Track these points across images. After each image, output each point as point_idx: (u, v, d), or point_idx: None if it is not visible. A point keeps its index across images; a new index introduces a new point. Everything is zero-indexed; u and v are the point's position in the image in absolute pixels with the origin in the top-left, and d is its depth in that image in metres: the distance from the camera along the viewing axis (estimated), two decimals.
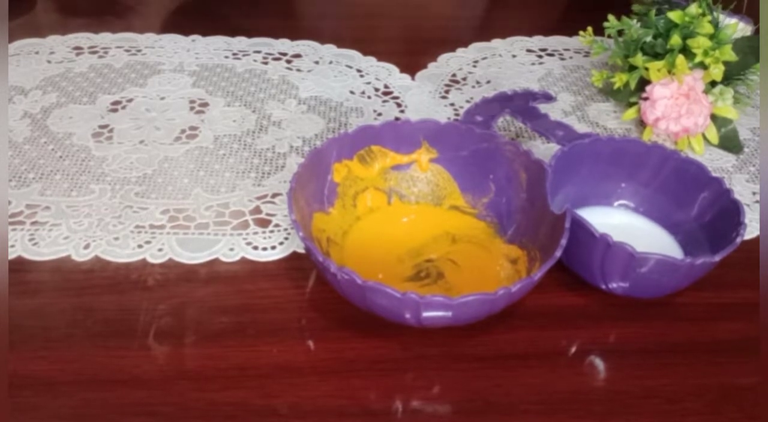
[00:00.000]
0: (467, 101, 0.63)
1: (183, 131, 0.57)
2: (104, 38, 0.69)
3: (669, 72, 0.56)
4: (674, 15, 0.56)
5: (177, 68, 0.65)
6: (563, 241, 0.40)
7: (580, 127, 0.59)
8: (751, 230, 0.50)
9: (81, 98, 0.60)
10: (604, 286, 0.44)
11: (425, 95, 0.64)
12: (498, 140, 0.47)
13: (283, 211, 0.49)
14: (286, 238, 0.47)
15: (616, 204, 0.50)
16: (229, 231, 0.48)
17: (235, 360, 0.39)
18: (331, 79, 0.65)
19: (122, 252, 0.45)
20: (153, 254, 0.45)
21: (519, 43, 0.73)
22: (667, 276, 0.41)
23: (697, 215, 0.47)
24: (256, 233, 0.48)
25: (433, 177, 0.50)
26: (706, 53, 0.55)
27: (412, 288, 0.37)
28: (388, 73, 0.66)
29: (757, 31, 0.61)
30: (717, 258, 0.41)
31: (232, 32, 0.71)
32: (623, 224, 0.48)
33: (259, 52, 0.68)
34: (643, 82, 0.58)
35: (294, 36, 0.71)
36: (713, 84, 0.58)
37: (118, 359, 0.39)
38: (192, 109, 0.60)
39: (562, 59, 0.71)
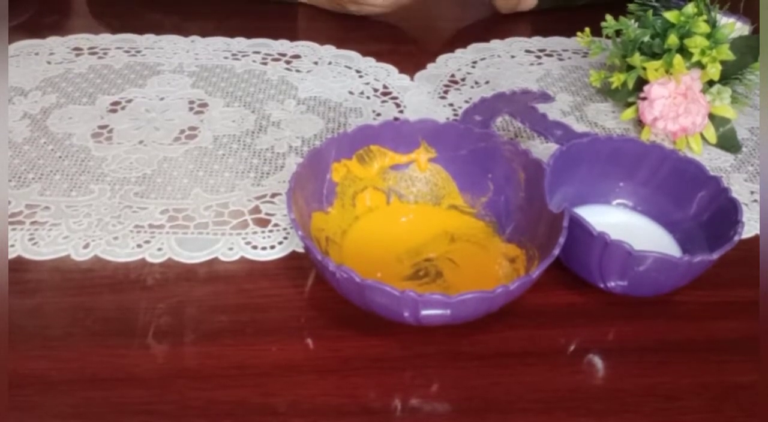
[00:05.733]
0: (466, 101, 0.63)
1: (182, 131, 0.57)
2: (104, 39, 0.69)
3: (666, 71, 0.56)
4: (670, 15, 0.56)
5: (176, 69, 0.65)
6: (561, 240, 0.40)
7: (579, 127, 0.59)
8: (749, 229, 0.51)
9: (80, 99, 0.60)
10: (602, 285, 0.44)
11: (424, 95, 0.64)
12: (496, 140, 0.47)
13: (282, 211, 0.49)
14: (286, 238, 0.47)
15: (614, 203, 0.50)
16: (228, 230, 0.48)
17: (235, 359, 0.39)
18: (330, 80, 0.65)
19: (121, 252, 0.45)
20: (152, 254, 0.46)
21: (517, 43, 0.73)
22: (665, 274, 0.41)
23: (695, 214, 0.47)
24: (255, 233, 0.48)
25: (431, 176, 0.50)
26: (703, 53, 0.55)
27: (410, 287, 0.37)
28: (387, 74, 0.66)
29: (754, 31, 0.61)
30: (715, 256, 0.41)
31: (232, 33, 0.71)
32: (621, 223, 0.49)
33: (258, 52, 0.68)
34: (641, 82, 0.58)
35: (293, 36, 0.71)
36: (711, 83, 0.58)
37: (117, 358, 0.39)
38: (191, 109, 0.60)
39: (561, 60, 0.71)
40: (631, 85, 0.59)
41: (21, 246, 0.45)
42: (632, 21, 0.60)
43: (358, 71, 0.67)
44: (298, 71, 0.66)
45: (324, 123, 0.59)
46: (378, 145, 0.48)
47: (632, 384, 0.40)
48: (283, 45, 0.70)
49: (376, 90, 0.64)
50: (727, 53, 0.55)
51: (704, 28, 0.55)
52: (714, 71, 0.55)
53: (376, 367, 0.40)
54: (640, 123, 0.59)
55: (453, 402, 0.38)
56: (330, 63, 0.68)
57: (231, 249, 0.46)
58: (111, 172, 0.52)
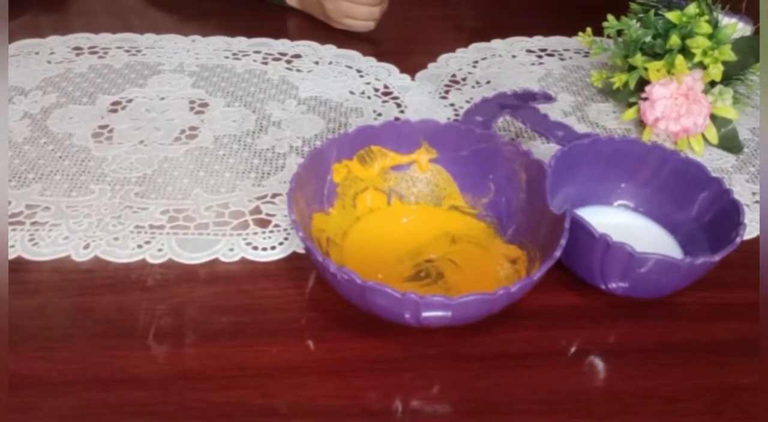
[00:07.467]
0: (467, 101, 0.63)
1: (183, 131, 0.57)
2: (104, 38, 0.69)
3: (668, 72, 0.56)
4: (672, 15, 0.56)
5: (177, 68, 0.65)
6: (563, 241, 0.40)
7: (580, 128, 0.59)
8: (751, 230, 0.50)
9: (81, 98, 0.60)
10: (603, 286, 0.44)
11: (425, 95, 0.64)
12: (497, 140, 0.47)
13: (283, 211, 0.49)
14: (286, 239, 0.47)
15: (615, 204, 0.50)
16: (228, 231, 0.48)
17: (235, 360, 0.39)
18: (331, 80, 0.65)
19: (122, 253, 0.45)
20: (153, 254, 0.45)
21: (519, 43, 0.73)
22: (667, 276, 0.41)
23: (696, 215, 0.47)
24: (255, 233, 0.48)
25: (432, 177, 0.50)
26: (705, 53, 0.55)
27: (411, 289, 0.37)
28: (388, 74, 0.66)
29: (756, 31, 0.61)
30: (716, 258, 0.41)
31: (232, 32, 0.71)
32: (623, 224, 0.48)
33: (259, 52, 0.68)
34: (643, 82, 0.58)
35: (294, 36, 0.71)
36: (712, 84, 0.58)
37: (117, 359, 0.39)
38: (192, 109, 0.60)
39: (562, 59, 0.71)
40: (632, 85, 0.58)
41: (21, 246, 0.45)
42: (634, 21, 0.59)
43: (358, 71, 0.66)
44: (298, 71, 0.66)
45: (325, 123, 0.59)
46: (379, 146, 0.48)
47: (633, 385, 0.40)
48: (283, 44, 0.70)
49: (377, 90, 0.64)
50: (729, 54, 0.55)
51: (706, 28, 0.55)
52: (716, 72, 0.55)
53: (376, 369, 0.40)
54: (641, 123, 0.59)
55: (454, 403, 0.38)
56: (331, 62, 0.67)
57: (231, 249, 0.46)
58: (111, 172, 0.52)
